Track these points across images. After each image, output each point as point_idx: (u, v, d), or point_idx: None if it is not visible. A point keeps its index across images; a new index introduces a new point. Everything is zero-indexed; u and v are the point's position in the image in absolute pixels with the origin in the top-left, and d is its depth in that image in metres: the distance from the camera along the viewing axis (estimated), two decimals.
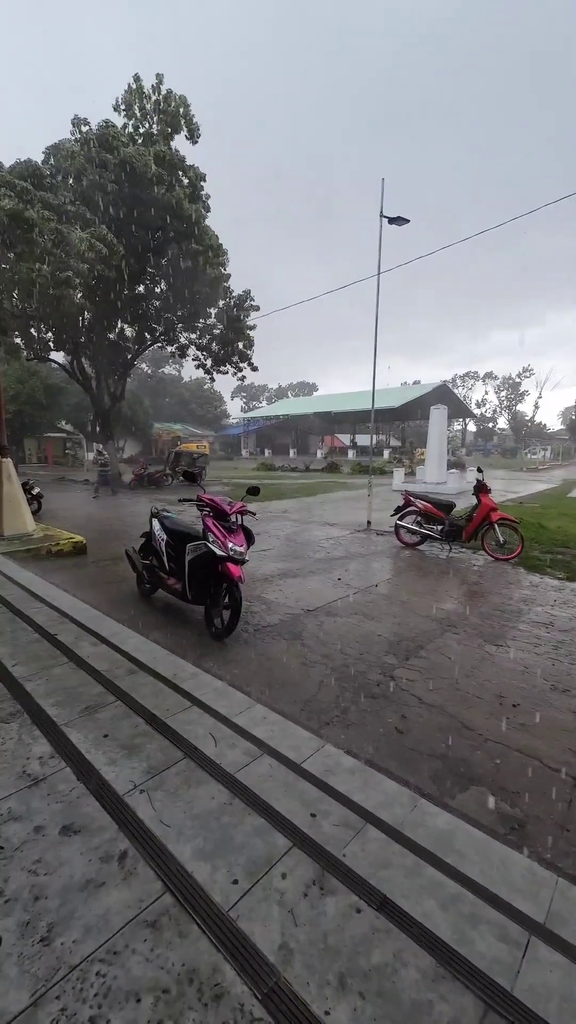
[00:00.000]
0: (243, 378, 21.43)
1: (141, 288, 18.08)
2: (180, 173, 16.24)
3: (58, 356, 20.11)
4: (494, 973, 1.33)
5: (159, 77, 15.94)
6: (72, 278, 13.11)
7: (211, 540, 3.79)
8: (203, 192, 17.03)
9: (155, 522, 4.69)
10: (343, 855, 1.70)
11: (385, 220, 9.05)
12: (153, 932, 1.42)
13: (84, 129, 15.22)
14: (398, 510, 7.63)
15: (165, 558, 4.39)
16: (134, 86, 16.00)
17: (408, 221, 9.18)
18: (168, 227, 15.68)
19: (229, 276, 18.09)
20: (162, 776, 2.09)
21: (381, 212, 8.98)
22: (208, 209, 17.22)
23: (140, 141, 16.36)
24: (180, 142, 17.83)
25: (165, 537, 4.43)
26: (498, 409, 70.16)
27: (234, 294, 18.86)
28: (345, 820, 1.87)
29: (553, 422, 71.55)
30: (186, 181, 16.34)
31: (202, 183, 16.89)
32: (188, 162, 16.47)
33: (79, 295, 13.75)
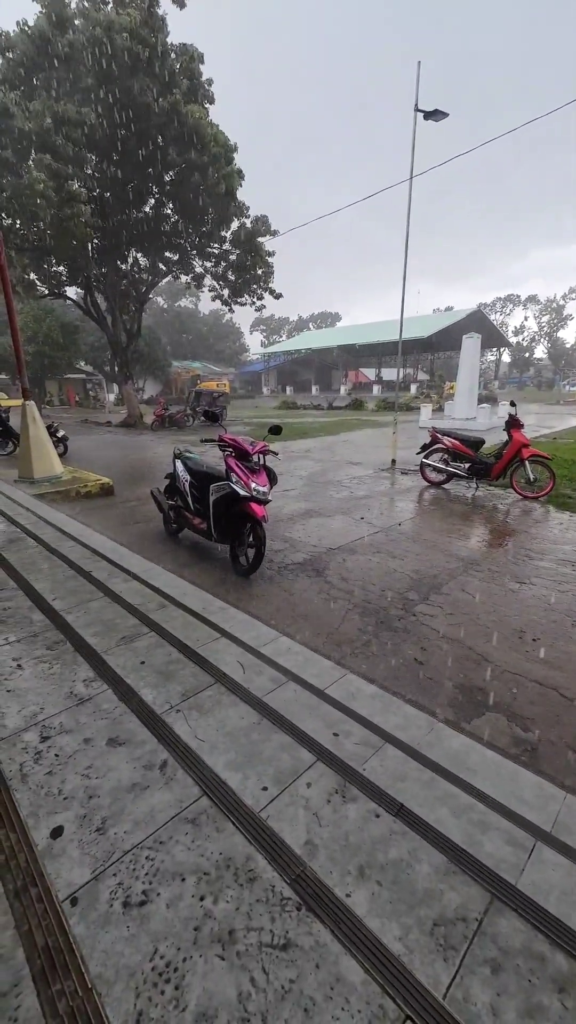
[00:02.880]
0: (263, 307, 20.28)
1: (148, 209, 16.73)
2: (172, 55, 13.78)
3: (72, 293, 19.41)
4: (500, 870, 1.46)
5: None
6: (69, 187, 11.90)
7: (234, 480, 3.80)
8: (204, 79, 14.54)
9: (178, 463, 4.72)
10: (363, 769, 1.84)
11: (420, 115, 7.98)
12: (193, 827, 1.60)
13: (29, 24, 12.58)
14: (424, 448, 7.42)
15: (189, 499, 4.46)
16: None
17: (447, 115, 8.07)
18: (156, 123, 13.45)
19: (242, 174, 15.62)
20: (195, 698, 2.26)
21: (416, 105, 7.89)
22: (212, 100, 14.83)
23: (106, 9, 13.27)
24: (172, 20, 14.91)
25: (189, 478, 4.47)
26: (537, 337, 65.05)
27: (249, 213, 17.31)
28: (365, 739, 2.01)
29: None
30: (178, 66, 13.95)
31: (200, 64, 14.23)
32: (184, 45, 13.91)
33: (88, 209, 12.43)
